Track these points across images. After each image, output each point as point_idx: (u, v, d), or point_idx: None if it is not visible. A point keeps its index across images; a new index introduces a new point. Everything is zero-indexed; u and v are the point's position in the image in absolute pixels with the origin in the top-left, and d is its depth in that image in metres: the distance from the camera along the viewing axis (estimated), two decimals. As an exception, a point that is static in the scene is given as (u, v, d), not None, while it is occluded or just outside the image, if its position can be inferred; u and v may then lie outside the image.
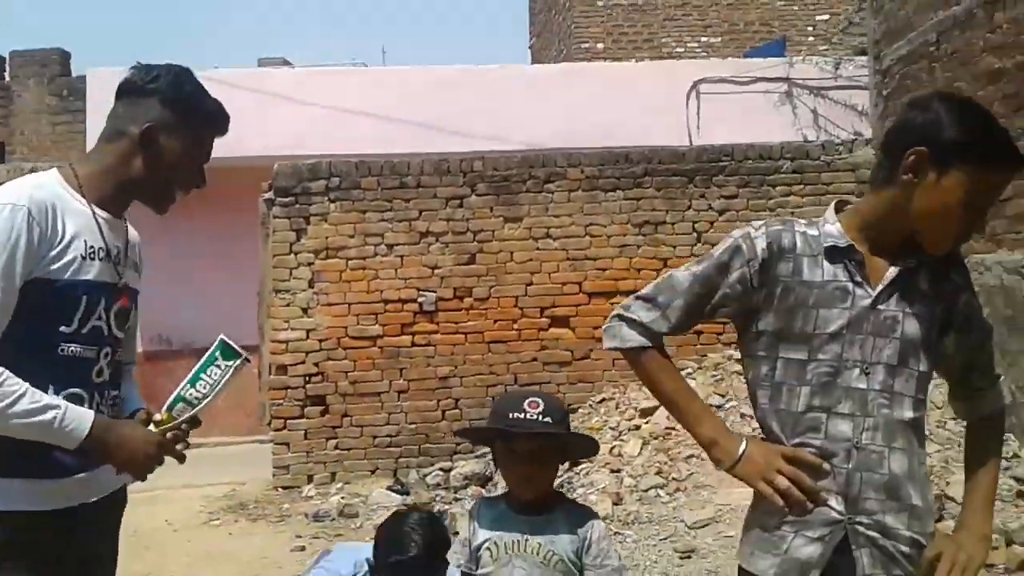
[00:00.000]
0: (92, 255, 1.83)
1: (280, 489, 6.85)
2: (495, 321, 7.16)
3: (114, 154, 1.91)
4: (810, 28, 13.72)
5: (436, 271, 7.18)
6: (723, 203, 7.25)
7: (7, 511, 1.73)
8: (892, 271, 1.71)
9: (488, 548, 2.07)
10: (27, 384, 1.69)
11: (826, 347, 1.71)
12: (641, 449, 6.03)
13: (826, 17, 13.64)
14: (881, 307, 1.71)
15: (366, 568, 2.61)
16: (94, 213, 1.86)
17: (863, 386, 1.70)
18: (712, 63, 10.67)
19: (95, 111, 8.70)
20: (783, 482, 1.64)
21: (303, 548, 5.41)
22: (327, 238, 7.18)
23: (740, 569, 1.83)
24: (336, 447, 7.02)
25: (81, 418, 1.74)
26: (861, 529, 1.69)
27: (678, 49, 13.72)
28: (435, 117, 9.30)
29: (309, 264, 7.15)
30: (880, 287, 1.71)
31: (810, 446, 1.71)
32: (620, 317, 1.82)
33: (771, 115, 9.38)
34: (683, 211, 7.24)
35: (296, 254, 7.10)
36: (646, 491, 5.57)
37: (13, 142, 9.56)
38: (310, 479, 6.91)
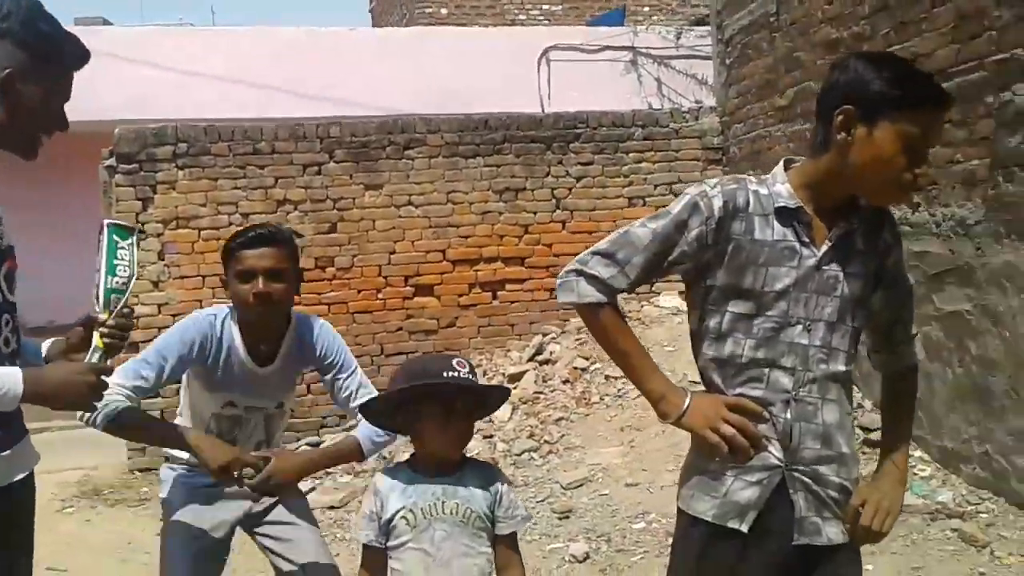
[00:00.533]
0: None
1: (137, 472, 6.53)
2: (359, 291, 7.06)
3: None
4: (647, -2, 14.17)
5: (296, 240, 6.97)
6: (580, 169, 7.41)
7: None
8: (835, 232, 1.80)
9: (403, 516, 2.08)
10: None
11: (774, 304, 1.79)
12: (511, 414, 6.16)
13: (662, -12, 14.12)
14: (825, 267, 1.80)
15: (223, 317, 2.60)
16: None
17: (805, 341, 1.80)
18: (561, 31, 10.85)
19: None
20: (728, 430, 1.75)
21: (171, 531, 5.21)
22: (176, 207, 6.83)
23: (679, 511, 1.92)
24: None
25: (10, 376, 1.68)
26: (797, 475, 1.81)
27: (520, 16, 13.85)
28: (284, 80, 9.02)
29: (158, 235, 6.79)
30: (824, 248, 1.80)
31: (750, 396, 1.81)
32: (578, 272, 1.84)
33: (617, 83, 9.66)
34: (542, 177, 7.36)
35: (143, 224, 6.72)
36: (519, 455, 5.71)
37: None
38: (168, 459, 6.61)
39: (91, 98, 8.34)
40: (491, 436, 5.96)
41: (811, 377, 1.80)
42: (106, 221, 2.01)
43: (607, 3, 13.78)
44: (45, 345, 2.07)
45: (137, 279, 2.01)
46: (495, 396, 2.31)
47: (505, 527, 2.12)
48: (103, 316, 1.90)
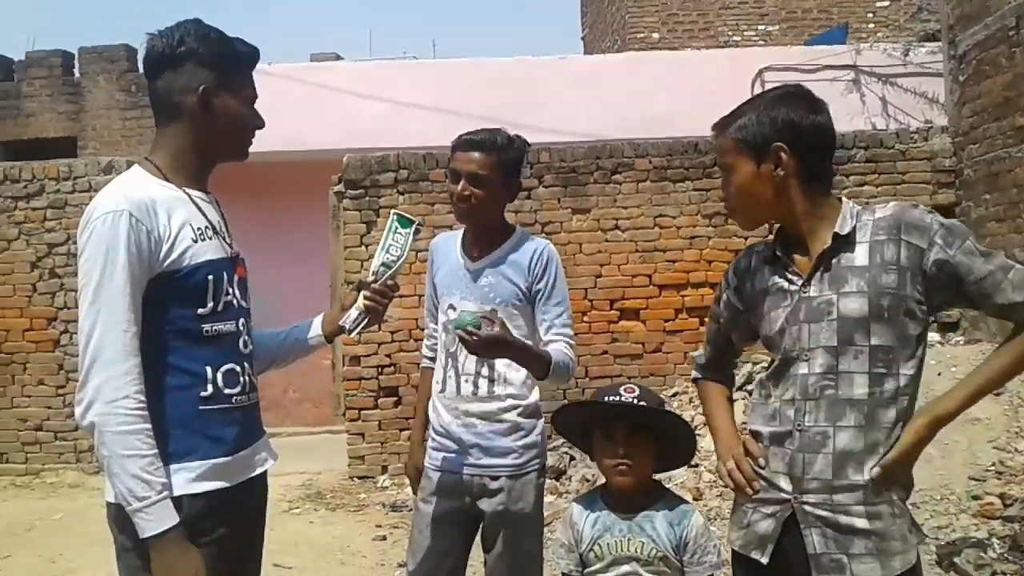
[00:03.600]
0: (202, 236, 1.87)
1: (355, 479, 6.94)
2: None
3: (179, 132, 1.91)
4: (871, 15, 13.45)
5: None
6: (795, 193, 7.14)
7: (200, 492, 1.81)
8: (812, 260, 1.85)
9: (592, 550, 2.08)
10: (156, 451, 1.72)
11: (779, 343, 1.88)
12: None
13: (887, 3, 13.37)
14: (813, 294, 1.83)
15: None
16: (189, 196, 1.90)
17: (804, 371, 1.83)
18: (777, 51, 10.52)
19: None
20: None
21: (384, 538, 5.48)
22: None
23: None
24: (410, 438, 7.05)
25: (164, 519, 1.72)
26: (808, 508, 1.81)
27: (735, 38, 13.55)
28: (496, 109, 9.25)
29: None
30: (805, 276, 1.85)
31: (762, 434, 1.90)
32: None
33: (838, 103, 9.16)
34: (754, 202, 7.15)
35: (367, 246, 7.14)
36: (726, 486, 5.52)
37: (85, 137, 9.75)
38: (384, 469, 6.98)
39: (323, 130, 9.13)
40: (697, 465, 5.82)
41: (814, 406, 1.81)
42: (393, 210, 2.37)
43: (828, 21, 13.24)
44: (318, 320, 2.26)
45: (404, 266, 2.28)
46: (671, 424, 2.20)
47: (692, 573, 2.07)
48: (370, 280, 2.18)
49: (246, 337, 1.96)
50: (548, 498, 5.70)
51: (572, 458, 6.25)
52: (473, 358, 2.60)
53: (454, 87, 9.50)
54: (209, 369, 1.85)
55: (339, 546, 5.37)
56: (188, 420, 1.82)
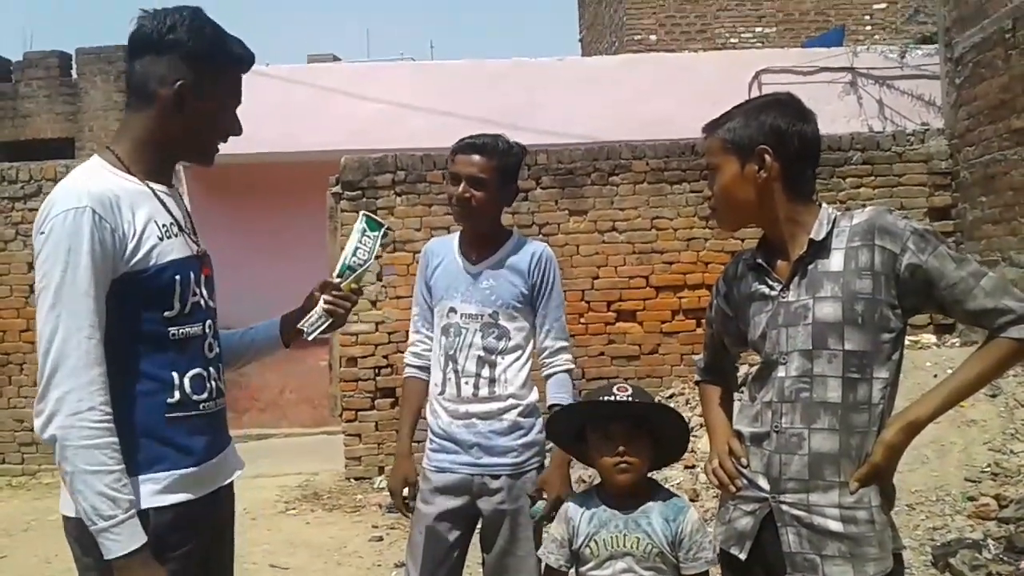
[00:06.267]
0: (167, 233, 1.76)
1: (352, 480, 6.94)
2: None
3: (147, 123, 1.77)
4: (867, 17, 13.47)
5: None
6: (792, 195, 7.15)
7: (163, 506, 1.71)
8: (789, 265, 1.90)
9: (588, 546, 2.09)
10: (123, 466, 1.61)
11: (762, 347, 1.93)
12: (713, 443, 6.00)
13: (884, 5, 13.38)
14: (791, 299, 1.87)
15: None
16: (152, 191, 1.78)
17: (781, 374, 1.86)
18: (774, 53, 10.55)
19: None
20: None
21: (380, 539, 5.48)
22: (394, 232, 7.24)
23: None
24: (396, 451, 7.04)
25: (131, 539, 1.60)
26: (785, 508, 1.84)
27: (732, 40, 13.57)
28: (494, 110, 9.30)
29: (377, 257, 7.18)
30: (784, 281, 1.89)
31: (744, 434, 1.95)
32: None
33: (835, 105, 9.23)
34: (751, 203, 7.16)
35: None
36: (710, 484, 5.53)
37: (82, 138, 9.76)
38: (381, 470, 6.97)
39: (320, 130, 9.13)
40: (693, 467, 5.82)
41: (790, 408, 1.85)
42: (363, 211, 2.27)
43: (825, 23, 13.26)
44: (275, 322, 2.17)
45: (369, 271, 2.23)
46: (667, 419, 2.19)
47: (687, 568, 2.08)
48: (338, 281, 2.10)
49: (212, 340, 1.86)
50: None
51: (569, 460, 6.25)
52: (474, 359, 2.64)
53: (452, 88, 9.51)
54: (176, 375, 1.75)
55: (336, 546, 5.37)
56: (154, 429, 1.71)
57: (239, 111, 1.88)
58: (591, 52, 16.05)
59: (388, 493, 6.50)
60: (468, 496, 2.64)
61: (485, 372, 2.65)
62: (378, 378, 7.09)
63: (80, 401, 1.58)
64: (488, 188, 2.64)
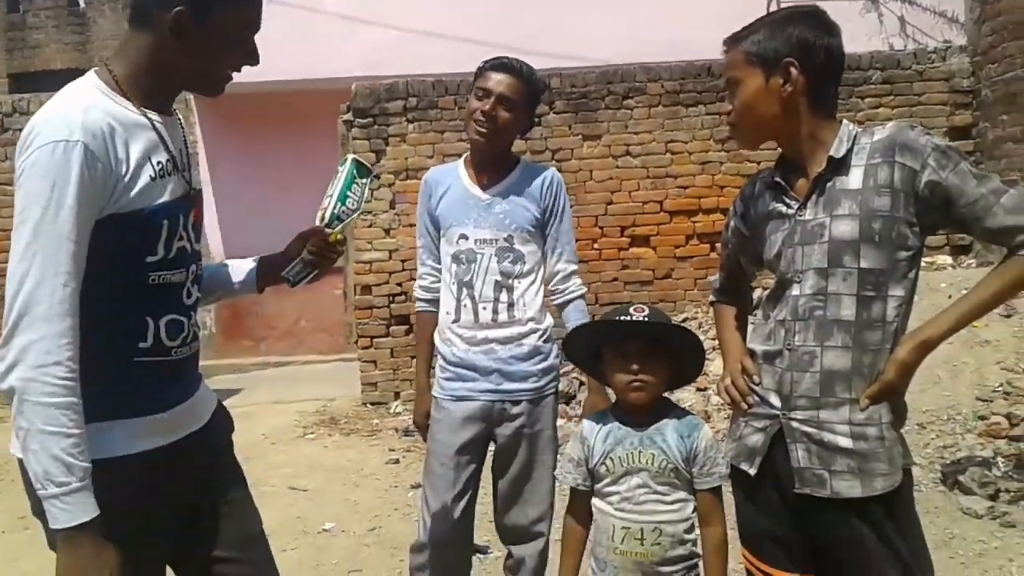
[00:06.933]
0: (162, 172, 1.65)
1: (369, 405, 7.05)
2: (575, 240, 7.13)
3: (145, 48, 1.62)
4: (891, -69, 13.05)
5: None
6: (809, 116, 7.04)
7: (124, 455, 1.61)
8: (808, 183, 1.87)
9: (604, 464, 2.11)
10: (83, 431, 1.48)
11: (776, 266, 1.93)
12: (726, 366, 6.04)
13: (909, -82, 12.95)
14: (808, 217, 1.85)
15: None
16: (150, 121, 1.64)
17: (796, 293, 1.87)
18: (792, -30, 10.24)
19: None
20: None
21: (397, 461, 5.58)
22: (406, 159, 7.20)
23: None
24: (416, 386, 7.11)
25: (82, 510, 1.46)
26: (795, 424, 1.86)
27: (751, -43, 13.19)
28: (507, 35, 9.13)
29: (390, 185, 7.20)
30: (801, 199, 1.87)
31: (756, 352, 1.97)
32: None
33: (856, 23, 8.97)
34: (767, 125, 7.06)
35: (376, 175, 7.14)
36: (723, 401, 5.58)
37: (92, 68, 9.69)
38: (397, 395, 7.08)
39: (332, 59, 9.02)
40: (705, 389, 5.88)
41: (803, 326, 1.85)
42: (351, 156, 2.10)
43: (847, -62, 12.85)
44: (251, 264, 2.07)
45: (361, 219, 2.13)
46: (681, 342, 2.17)
47: (701, 483, 2.10)
48: (328, 231, 1.98)
49: (192, 286, 1.76)
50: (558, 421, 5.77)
51: (582, 383, 6.31)
52: (491, 284, 2.63)
53: (465, 13, 9.33)
54: (150, 320, 1.65)
55: (353, 469, 5.48)
56: (122, 374, 1.62)
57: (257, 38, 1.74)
58: (606, -27, 15.65)
59: (405, 417, 6.60)
60: (486, 424, 2.66)
61: (503, 296, 2.64)
62: (392, 305, 7.14)
63: (48, 354, 1.45)
64: (515, 110, 2.61)
